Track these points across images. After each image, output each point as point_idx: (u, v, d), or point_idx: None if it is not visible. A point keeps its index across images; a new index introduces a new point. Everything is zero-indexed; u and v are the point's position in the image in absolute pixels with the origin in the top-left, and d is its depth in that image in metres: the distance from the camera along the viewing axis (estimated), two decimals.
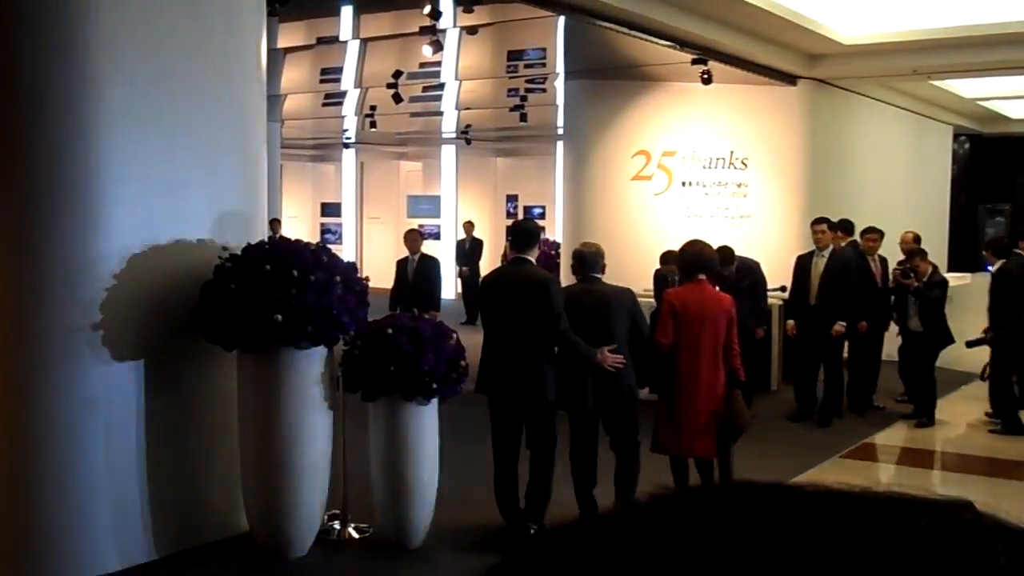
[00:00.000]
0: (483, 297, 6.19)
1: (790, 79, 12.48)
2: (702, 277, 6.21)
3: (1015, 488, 7.79)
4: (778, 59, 11.82)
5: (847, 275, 9.17)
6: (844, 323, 9.05)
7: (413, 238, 10.89)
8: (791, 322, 9.54)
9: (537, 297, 5.75)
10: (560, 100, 15.34)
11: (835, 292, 9.07)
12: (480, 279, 6.44)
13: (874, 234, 9.90)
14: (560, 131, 16.80)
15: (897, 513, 0.44)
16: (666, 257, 9.77)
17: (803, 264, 9.47)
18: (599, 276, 6.21)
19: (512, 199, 23.43)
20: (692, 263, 6.29)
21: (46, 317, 5.21)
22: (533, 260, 6.06)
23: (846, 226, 10.06)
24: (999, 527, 0.43)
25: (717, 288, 6.59)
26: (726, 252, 9.49)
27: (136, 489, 5.44)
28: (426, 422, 5.72)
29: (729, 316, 6.20)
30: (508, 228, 8.97)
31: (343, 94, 19.53)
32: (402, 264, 10.70)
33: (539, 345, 5.77)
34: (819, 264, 9.25)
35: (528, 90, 17.98)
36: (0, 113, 5.24)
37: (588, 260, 6.20)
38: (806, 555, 0.41)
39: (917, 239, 10.04)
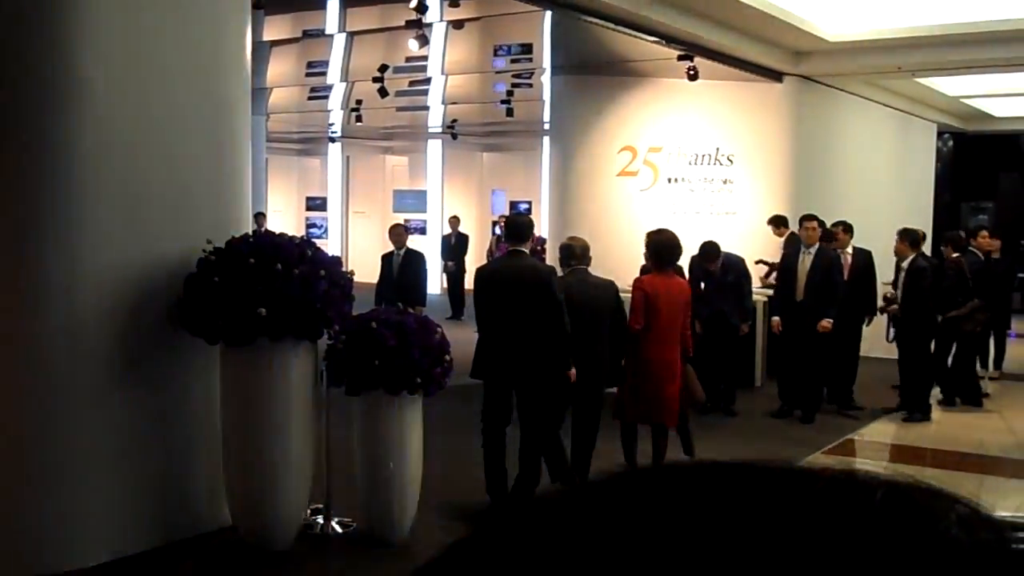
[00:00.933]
0: (481, 287, 6.38)
1: (776, 76, 12.51)
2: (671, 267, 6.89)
3: (1009, 486, 7.86)
4: (764, 56, 11.84)
5: (833, 272, 9.21)
6: (831, 320, 9.09)
7: (398, 233, 10.88)
8: (776, 319, 9.57)
9: (538, 288, 6.08)
10: (547, 95, 15.34)
11: (821, 289, 9.10)
12: (476, 270, 6.68)
13: (837, 227, 9.98)
14: (547, 126, 16.81)
15: (852, 488, 0.44)
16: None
17: (789, 261, 9.50)
18: (587, 268, 6.63)
19: (497, 193, 23.42)
20: (668, 253, 6.85)
21: (29, 312, 5.18)
22: (527, 252, 6.50)
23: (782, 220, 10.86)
24: (961, 507, 0.44)
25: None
26: (712, 247, 9.51)
27: (120, 483, 5.42)
28: (410, 417, 5.72)
29: (688, 302, 7.02)
30: (502, 220, 9.25)
31: (329, 88, 19.49)
32: (387, 258, 10.69)
33: (539, 332, 6.06)
34: (805, 261, 9.27)
35: (515, 85, 17.98)
36: None
37: (578, 253, 6.62)
38: (753, 528, 0.42)
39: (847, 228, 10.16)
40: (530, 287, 6.08)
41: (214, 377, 5.64)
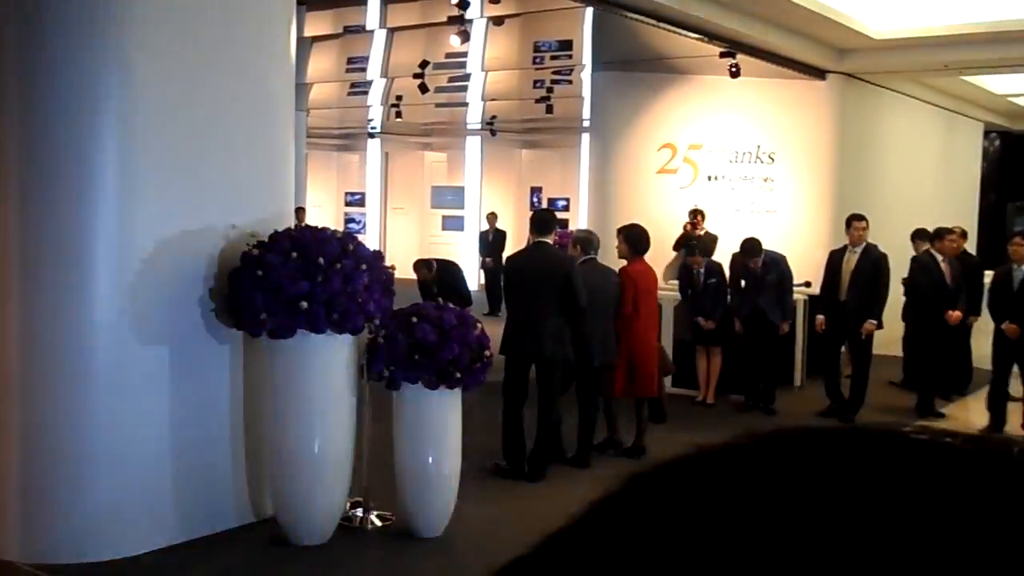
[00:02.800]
0: (510, 274, 7.33)
1: (819, 73, 12.39)
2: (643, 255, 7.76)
3: None
4: (807, 53, 11.73)
5: (879, 273, 9.08)
6: (875, 321, 8.98)
7: (419, 268, 10.46)
8: (821, 317, 9.46)
9: (561, 275, 6.85)
10: (586, 92, 15.30)
11: (866, 289, 8.99)
12: (506, 259, 7.68)
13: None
14: (586, 123, 16.76)
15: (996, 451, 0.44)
16: (692, 249, 9.74)
17: (835, 260, 9.38)
18: (595, 256, 7.58)
19: (536, 191, 23.38)
20: (643, 242, 7.80)
21: (76, 305, 5.24)
22: (551, 242, 7.25)
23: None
24: None
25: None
26: (753, 243, 9.44)
27: (162, 473, 5.47)
28: (449, 411, 5.72)
29: (657, 286, 8.01)
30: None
31: (369, 83, 19.55)
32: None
33: (559, 314, 6.82)
34: (851, 261, 9.15)
35: (554, 82, 17.93)
36: (34, 102, 5.25)
37: (595, 243, 7.67)
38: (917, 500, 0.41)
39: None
40: (554, 275, 6.83)
41: (256, 369, 5.68)
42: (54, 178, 5.24)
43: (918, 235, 10.58)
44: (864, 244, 9.16)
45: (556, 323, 6.81)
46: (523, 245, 18.40)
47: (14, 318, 5.26)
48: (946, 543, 0.39)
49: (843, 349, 9.48)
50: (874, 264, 9.07)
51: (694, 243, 9.82)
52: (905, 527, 0.40)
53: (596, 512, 0.46)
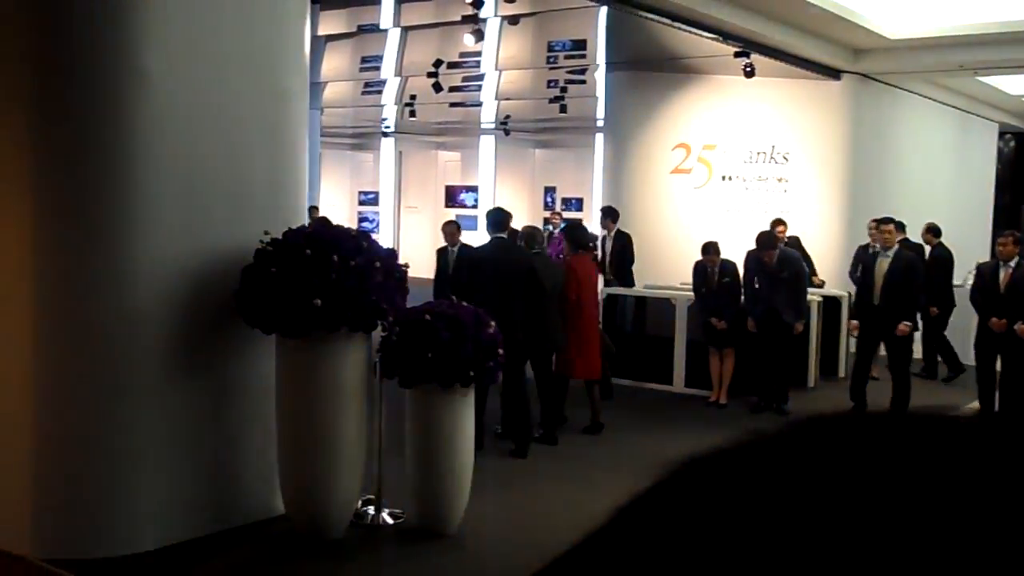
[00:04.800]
0: (473, 268, 7.97)
1: (834, 73, 12.36)
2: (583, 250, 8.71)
3: None
4: (822, 53, 11.71)
5: (913, 275, 9.07)
6: (909, 323, 8.96)
7: (451, 230, 10.75)
8: (855, 322, 9.42)
9: (522, 270, 7.62)
10: (600, 92, 15.29)
11: (900, 292, 8.98)
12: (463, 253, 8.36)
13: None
14: (599, 123, 16.75)
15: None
16: (707, 248, 9.73)
17: (867, 264, 9.36)
18: (540, 252, 8.29)
19: (550, 190, 23.38)
20: (582, 239, 8.88)
21: (91, 301, 5.27)
22: (506, 236, 8.02)
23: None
24: None
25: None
26: (768, 236, 9.43)
27: (176, 470, 5.49)
28: (462, 409, 5.73)
29: (597, 277, 9.04)
30: (554, 218, 10.30)
31: (382, 83, 19.57)
32: (442, 254, 10.67)
33: (522, 302, 7.50)
34: (883, 264, 9.13)
35: (568, 81, 17.92)
36: (50, 101, 5.29)
37: (539, 239, 8.47)
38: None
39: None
40: (516, 269, 7.60)
41: (270, 367, 5.70)
42: (70, 176, 5.27)
43: (930, 230, 10.67)
44: (895, 247, 9.16)
45: (520, 312, 7.46)
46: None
47: (43, 316, 5.29)
48: None
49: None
50: (908, 266, 9.06)
51: (712, 242, 9.80)
52: (995, 508, 0.40)
53: (661, 494, 0.46)
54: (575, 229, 9.20)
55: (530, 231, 8.65)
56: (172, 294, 5.43)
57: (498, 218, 8.05)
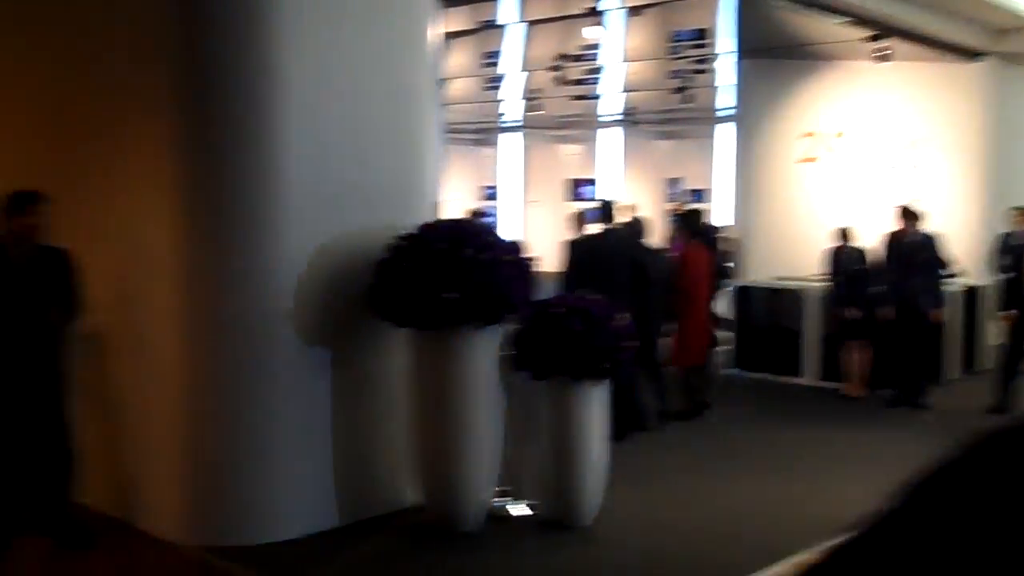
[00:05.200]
0: (582, 258, 7.95)
1: (971, 55, 11.87)
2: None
3: None
4: (961, 34, 11.26)
5: None
6: None
7: (576, 221, 10.74)
8: (1014, 311, 8.95)
9: (625, 260, 7.88)
10: (720, 81, 15.05)
11: None
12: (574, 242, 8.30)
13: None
14: (719, 113, 16.51)
15: None
16: (842, 233, 9.54)
17: (1017, 252, 8.92)
18: (641, 242, 8.60)
19: (674, 182, 23.10)
20: (695, 225, 8.88)
21: (235, 298, 5.43)
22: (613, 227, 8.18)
23: None
24: None
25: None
26: (911, 209, 9.16)
27: (314, 461, 5.62)
28: (595, 401, 5.71)
29: (711, 267, 8.97)
30: (678, 208, 10.29)
31: (501, 78, 19.66)
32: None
33: (629, 290, 7.59)
34: None
35: (693, 71, 17.72)
36: (194, 103, 5.46)
37: (641, 227, 8.73)
38: None
39: None
40: (623, 257, 7.88)
41: (403, 361, 5.77)
42: (213, 177, 5.44)
43: None
44: None
45: (625, 300, 7.39)
46: (664, 236, 18.25)
47: (187, 312, 5.48)
48: None
49: None
50: None
51: (846, 227, 9.58)
52: None
53: (978, 461, 0.44)
54: (689, 215, 9.32)
55: (633, 221, 8.95)
56: (311, 291, 5.54)
57: (603, 209, 8.29)
